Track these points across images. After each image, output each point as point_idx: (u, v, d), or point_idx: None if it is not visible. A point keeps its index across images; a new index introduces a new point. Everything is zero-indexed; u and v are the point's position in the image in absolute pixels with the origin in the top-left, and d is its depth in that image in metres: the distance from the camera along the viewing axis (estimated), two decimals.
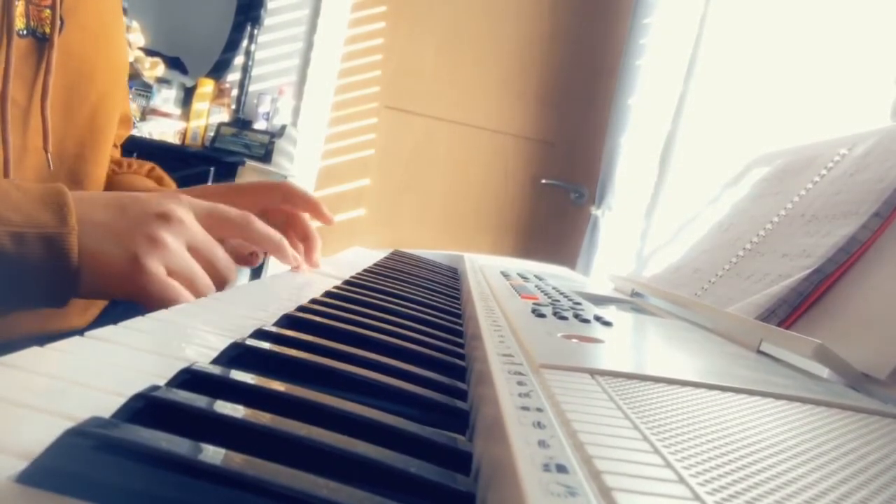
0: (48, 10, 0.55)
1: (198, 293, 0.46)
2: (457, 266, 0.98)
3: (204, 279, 0.47)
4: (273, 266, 2.33)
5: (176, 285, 0.44)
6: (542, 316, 0.45)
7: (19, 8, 0.53)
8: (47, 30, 0.55)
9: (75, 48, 0.58)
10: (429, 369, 0.33)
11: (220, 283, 0.50)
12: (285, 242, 0.56)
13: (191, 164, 1.98)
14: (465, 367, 0.36)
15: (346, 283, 0.57)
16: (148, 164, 0.75)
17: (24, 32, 0.54)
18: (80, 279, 0.43)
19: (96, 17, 0.61)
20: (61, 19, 0.56)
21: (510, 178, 2.53)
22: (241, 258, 0.58)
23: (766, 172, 0.77)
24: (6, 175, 0.52)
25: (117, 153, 0.77)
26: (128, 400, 0.21)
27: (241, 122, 2.29)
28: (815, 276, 0.49)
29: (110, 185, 0.69)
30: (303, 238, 0.66)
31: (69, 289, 0.43)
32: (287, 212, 0.65)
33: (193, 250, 0.47)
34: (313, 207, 0.67)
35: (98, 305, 0.68)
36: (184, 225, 0.47)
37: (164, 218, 0.46)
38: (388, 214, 2.54)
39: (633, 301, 0.73)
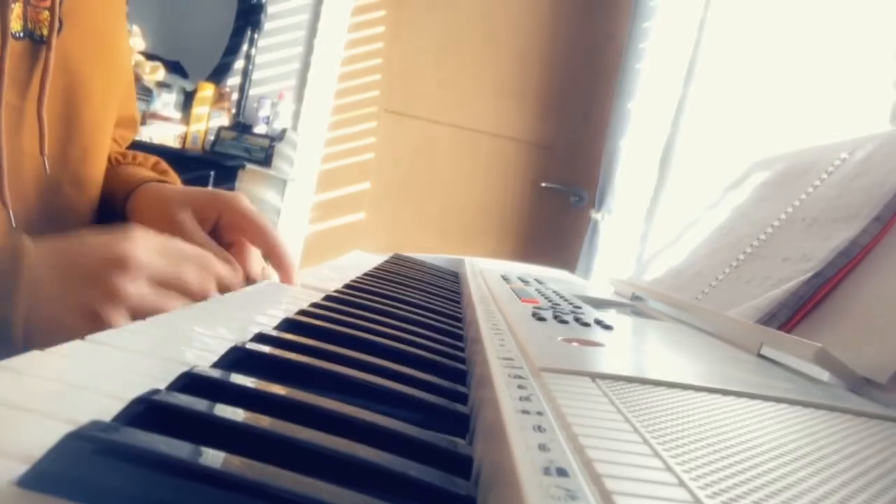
0: (46, 12, 0.54)
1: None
2: (457, 270, 0.98)
3: (178, 308, 0.44)
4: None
5: None
6: (542, 319, 0.45)
7: (16, 9, 0.52)
8: (45, 32, 0.54)
9: (74, 51, 0.57)
10: (429, 373, 0.33)
11: (199, 298, 0.47)
12: (238, 281, 0.53)
13: (191, 168, 1.98)
14: (465, 371, 0.36)
15: (347, 286, 0.57)
16: (153, 158, 0.74)
17: (21, 34, 0.53)
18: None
19: (96, 20, 0.60)
20: (60, 21, 0.55)
21: (510, 181, 2.53)
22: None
23: (766, 176, 0.77)
24: (1, 180, 0.52)
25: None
26: (128, 403, 0.21)
27: (242, 126, 2.29)
28: (815, 279, 0.49)
29: (113, 176, 0.67)
30: (282, 269, 0.60)
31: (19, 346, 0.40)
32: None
33: (161, 283, 0.44)
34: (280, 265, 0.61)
35: None
36: (140, 264, 0.43)
37: (119, 263, 0.42)
38: (389, 218, 2.54)
39: (634, 305, 0.73)
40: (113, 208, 0.63)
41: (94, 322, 0.40)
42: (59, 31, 0.55)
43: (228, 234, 0.61)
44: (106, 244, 0.44)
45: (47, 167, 0.55)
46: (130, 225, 0.48)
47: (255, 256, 0.61)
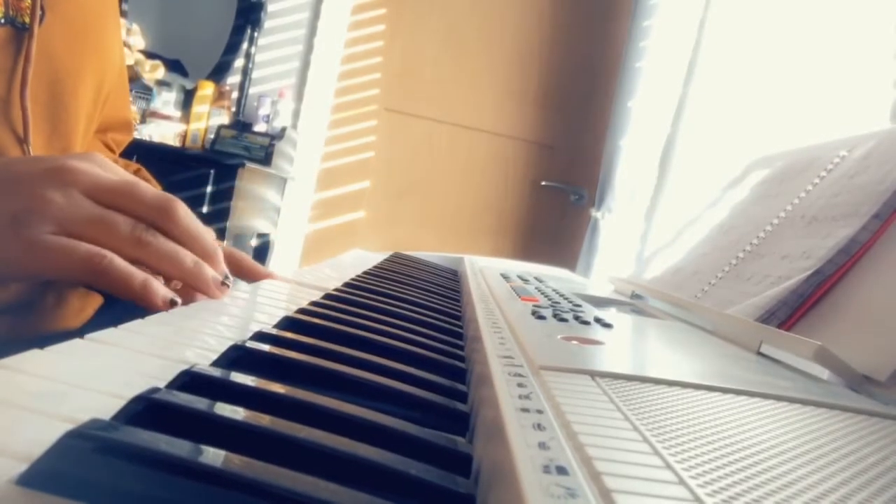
0: (28, 0, 0.53)
1: (118, 239, 0.38)
2: (457, 268, 0.98)
3: (121, 221, 0.38)
4: (273, 267, 2.33)
5: (64, 242, 0.36)
6: (542, 318, 0.45)
7: None
8: (27, 19, 0.53)
9: (58, 42, 0.56)
10: (429, 371, 0.33)
11: (163, 217, 0.40)
12: (206, 264, 0.43)
13: (191, 167, 1.98)
14: (465, 369, 0.36)
15: (347, 285, 0.57)
16: (134, 166, 0.73)
17: (3, 21, 0.52)
18: None
19: (81, 12, 0.59)
20: (42, 9, 0.54)
21: (510, 180, 2.53)
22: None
23: (766, 174, 0.77)
24: None
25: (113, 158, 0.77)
26: (127, 402, 0.21)
27: (241, 125, 2.29)
28: (815, 277, 0.49)
29: None
30: (254, 276, 0.56)
31: None
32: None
33: (103, 195, 0.38)
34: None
35: (93, 306, 0.67)
36: (79, 173, 0.38)
37: (55, 173, 0.37)
38: (388, 217, 2.54)
39: (633, 303, 0.73)
40: None
41: (15, 231, 0.36)
42: (42, 19, 0.55)
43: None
44: (53, 157, 0.39)
45: (31, 155, 0.54)
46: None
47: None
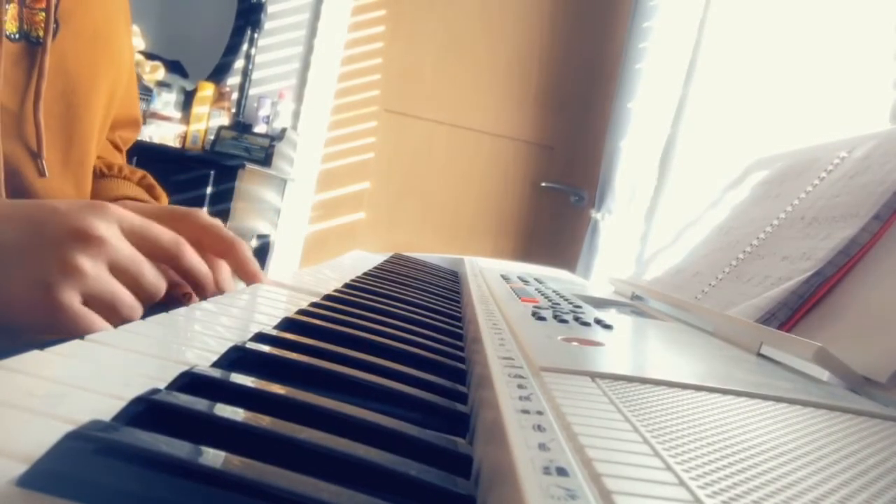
0: (42, 14, 0.54)
1: (120, 318, 0.42)
2: (457, 269, 0.98)
3: (127, 302, 0.42)
4: (273, 268, 2.33)
5: (91, 316, 0.40)
6: (542, 319, 0.45)
7: (11, 11, 0.52)
8: (41, 34, 0.53)
9: (71, 54, 0.57)
10: (429, 372, 0.33)
11: (148, 299, 0.45)
12: (210, 281, 0.50)
13: (191, 168, 1.98)
14: (465, 371, 0.36)
15: (347, 286, 0.57)
16: (140, 172, 0.72)
17: (17, 36, 0.52)
18: None
19: (95, 22, 0.60)
20: (56, 23, 0.55)
21: (510, 181, 2.53)
22: (174, 296, 0.50)
23: (765, 175, 0.77)
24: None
25: (120, 157, 0.77)
26: (128, 403, 0.21)
27: (242, 126, 2.29)
28: (815, 278, 0.49)
29: (96, 188, 0.66)
30: (247, 277, 0.57)
31: None
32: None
33: (116, 270, 0.42)
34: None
35: None
36: (105, 244, 0.41)
37: (83, 238, 0.40)
38: (388, 218, 2.54)
39: (634, 304, 0.73)
40: None
41: (44, 294, 0.38)
42: (56, 33, 0.55)
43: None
44: (78, 212, 0.41)
45: (45, 170, 0.54)
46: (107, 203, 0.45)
47: (224, 271, 0.57)
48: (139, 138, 2.10)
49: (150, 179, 0.73)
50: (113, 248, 0.41)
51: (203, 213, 0.56)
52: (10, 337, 0.53)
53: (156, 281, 0.45)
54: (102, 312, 0.40)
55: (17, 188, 0.54)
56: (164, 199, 0.73)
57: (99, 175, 0.69)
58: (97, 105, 0.60)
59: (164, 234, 0.46)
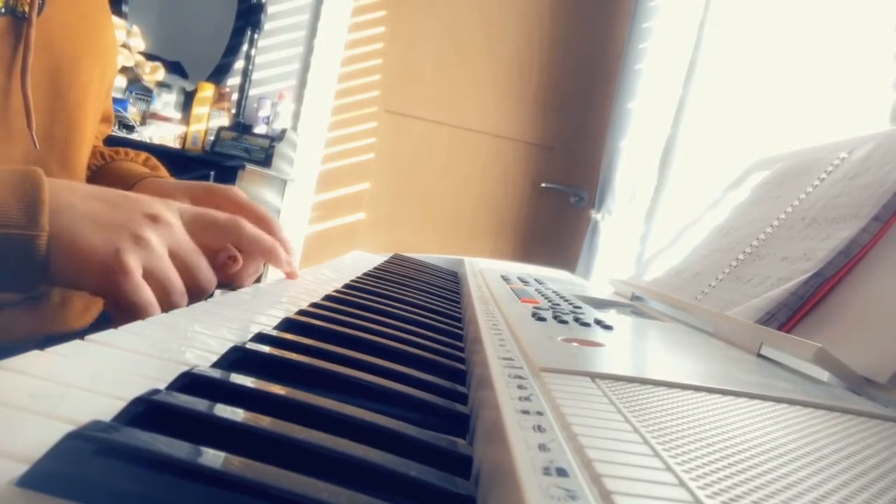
0: None
1: (170, 301, 0.45)
2: (457, 270, 0.98)
3: (178, 287, 0.46)
4: (273, 272, 2.33)
5: (146, 288, 0.43)
6: (542, 320, 0.45)
7: None
8: (26, 9, 0.54)
9: (57, 30, 0.57)
10: (429, 373, 0.33)
11: (198, 293, 0.48)
12: (278, 246, 0.55)
13: (191, 169, 1.98)
14: (465, 371, 0.36)
15: (347, 286, 0.57)
16: (143, 154, 0.75)
17: (3, 11, 0.53)
18: (50, 271, 0.42)
19: (82, 4, 0.60)
20: None
21: (510, 181, 2.53)
22: (220, 264, 0.54)
23: (766, 176, 0.77)
24: None
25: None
26: (128, 403, 0.21)
27: (242, 127, 2.29)
28: (815, 279, 0.49)
29: (106, 172, 0.68)
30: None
31: (35, 280, 0.42)
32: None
33: (175, 256, 0.46)
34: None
35: (97, 307, 0.68)
36: (171, 228, 0.46)
37: (153, 219, 0.45)
38: (388, 218, 2.54)
39: (634, 305, 0.73)
40: None
41: (114, 256, 0.42)
42: (42, 9, 0.55)
43: None
44: (148, 200, 0.47)
45: (36, 142, 0.55)
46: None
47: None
48: (139, 139, 2.08)
49: (154, 160, 0.75)
50: (177, 234, 0.47)
51: (239, 190, 0.62)
52: (13, 334, 0.53)
53: (208, 274, 0.49)
54: (155, 291, 0.44)
55: (8, 163, 0.54)
56: (169, 177, 0.74)
57: (109, 159, 0.71)
58: (84, 83, 0.61)
59: (221, 215, 0.51)
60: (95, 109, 0.65)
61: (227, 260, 0.54)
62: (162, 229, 0.45)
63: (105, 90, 0.69)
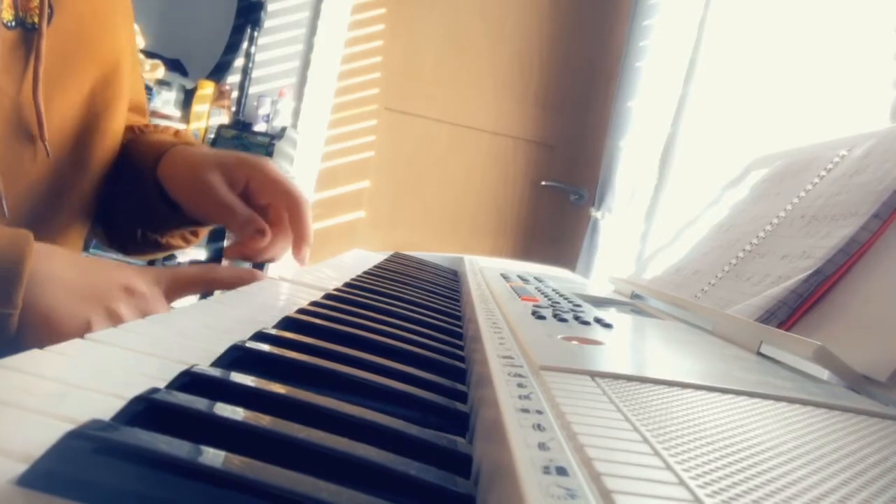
0: (37, 0, 0.54)
1: None
2: (457, 268, 0.98)
3: None
4: (273, 268, 2.33)
5: None
6: (542, 318, 0.45)
7: None
8: (36, 20, 0.54)
9: (67, 34, 0.57)
10: (429, 371, 0.33)
11: None
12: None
13: None
14: (465, 370, 0.36)
15: (347, 285, 0.57)
16: (173, 128, 0.75)
17: (13, 24, 0.53)
18: (20, 342, 0.41)
19: (91, 5, 0.60)
20: (51, 7, 0.55)
21: (510, 179, 2.53)
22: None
23: (765, 174, 0.77)
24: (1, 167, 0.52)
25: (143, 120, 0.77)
26: (127, 403, 0.21)
27: (242, 125, 2.29)
28: (814, 277, 0.49)
29: (138, 144, 0.68)
30: (297, 234, 0.62)
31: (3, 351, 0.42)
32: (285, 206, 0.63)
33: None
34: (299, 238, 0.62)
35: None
36: (145, 299, 0.47)
37: (127, 290, 0.46)
38: (388, 216, 2.54)
39: (633, 303, 0.73)
40: (141, 174, 0.64)
41: (84, 329, 0.42)
42: (51, 17, 0.55)
43: (258, 197, 0.62)
44: (125, 271, 0.48)
45: (48, 151, 0.56)
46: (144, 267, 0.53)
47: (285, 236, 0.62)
48: None
49: (186, 134, 0.75)
50: (151, 306, 0.47)
51: (272, 165, 0.62)
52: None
53: None
54: None
55: (14, 173, 0.54)
56: (200, 146, 0.74)
57: (139, 133, 0.71)
58: (99, 81, 0.61)
59: (191, 271, 0.54)
60: (117, 105, 0.65)
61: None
62: (136, 301, 0.46)
63: (131, 80, 0.69)
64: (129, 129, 0.71)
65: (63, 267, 0.45)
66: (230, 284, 0.53)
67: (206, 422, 0.21)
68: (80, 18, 0.59)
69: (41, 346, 0.41)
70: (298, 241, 0.60)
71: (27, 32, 0.54)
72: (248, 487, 0.17)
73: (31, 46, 0.54)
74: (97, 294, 0.44)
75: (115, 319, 0.44)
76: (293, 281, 0.59)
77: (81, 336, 0.40)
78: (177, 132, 0.74)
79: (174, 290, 0.51)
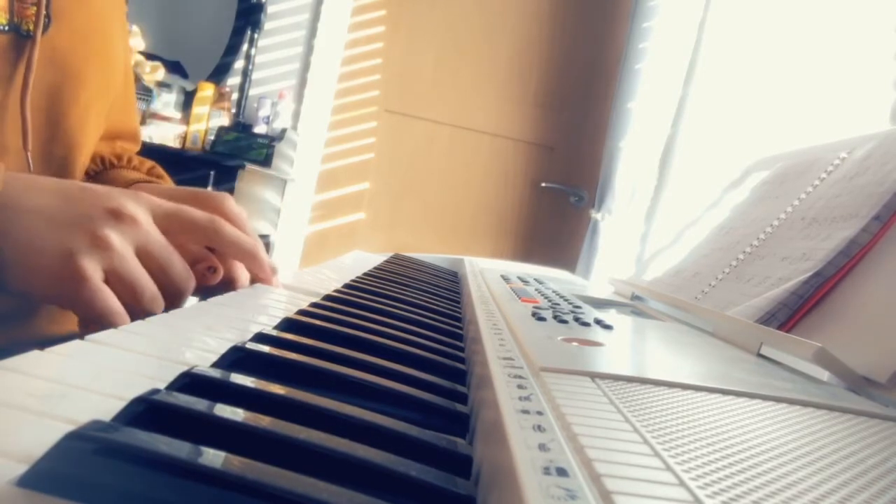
0: (33, 8, 0.53)
1: (141, 305, 0.41)
2: (457, 270, 0.98)
3: (149, 290, 0.41)
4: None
5: (108, 294, 0.39)
6: (542, 319, 0.45)
7: (1, 2, 0.51)
8: (31, 27, 0.53)
9: (62, 49, 0.56)
10: (429, 373, 0.33)
11: (174, 295, 0.44)
12: (260, 248, 0.50)
13: (191, 168, 1.98)
14: (465, 371, 0.36)
15: (347, 286, 0.57)
16: (149, 163, 0.72)
17: (6, 28, 0.52)
18: (6, 273, 0.39)
19: (89, 20, 0.59)
20: (48, 17, 0.54)
21: (510, 181, 2.53)
22: (199, 274, 0.49)
23: (766, 176, 0.77)
24: None
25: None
26: (128, 403, 0.21)
27: (242, 126, 2.29)
28: (815, 279, 0.49)
29: (101, 180, 0.65)
30: (260, 279, 0.56)
31: None
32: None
33: (145, 255, 0.42)
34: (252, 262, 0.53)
35: None
36: (136, 224, 0.41)
37: (115, 214, 0.41)
38: (388, 218, 2.54)
39: (634, 304, 0.73)
40: None
41: (68, 261, 0.38)
42: (48, 27, 0.54)
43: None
44: (112, 193, 0.42)
45: (30, 163, 0.53)
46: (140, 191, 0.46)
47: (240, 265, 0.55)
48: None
49: (160, 170, 0.72)
50: (144, 231, 0.42)
51: (229, 198, 0.54)
52: (11, 334, 0.53)
53: (184, 273, 0.44)
54: (123, 296, 0.40)
55: None
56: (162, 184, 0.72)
57: (109, 166, 0.68)
58: (85, 100, 0.60)
59: (199, 213, 0.46)
60: (97, 127, 0.64)
61: (207, 271, 0.50)
62: (125, 225, 0.41)
63: (122, 105, 0.68)
64: (99, 159, 0.68)
65: (43, 196, 0.40)
66: (229, 245, 0.48)
67: (206, 423, 0.21)
68: (78, 30, 0.58)
69: (24, 281, 0.39)
70: (264, 281, 0.54)
71: (21, 39, 0.53)
72: (248, 488, 0.17)
73: (24, 54, 0.53)
74: (80, 221, 0.40)
75: (101, 246, 0.39)
76: (293, 283, 0.59)
77: (67, 272, 0.38)
78: (152, 167, 0.71)
79: (172, 228, 0.44)
